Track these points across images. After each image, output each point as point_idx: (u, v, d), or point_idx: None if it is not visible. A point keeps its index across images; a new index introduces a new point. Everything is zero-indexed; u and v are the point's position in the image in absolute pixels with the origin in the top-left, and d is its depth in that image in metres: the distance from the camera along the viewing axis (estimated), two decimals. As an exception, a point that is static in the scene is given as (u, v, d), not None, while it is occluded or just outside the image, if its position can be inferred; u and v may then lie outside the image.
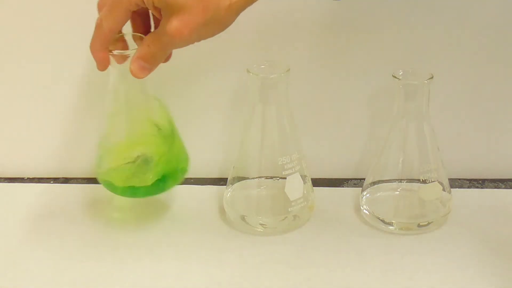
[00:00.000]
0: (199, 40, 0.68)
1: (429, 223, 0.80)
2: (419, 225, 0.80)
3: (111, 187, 0.79)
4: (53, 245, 0.79)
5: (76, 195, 0.88)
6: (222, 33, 0.86)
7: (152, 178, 0.77)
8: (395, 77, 0.78)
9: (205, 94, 0.89)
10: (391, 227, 0.81)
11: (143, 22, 0.74)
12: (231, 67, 0.88)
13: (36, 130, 0.92)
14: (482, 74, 0.88)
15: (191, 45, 0.86)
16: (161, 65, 0.81)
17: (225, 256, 0.77)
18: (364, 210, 0.83)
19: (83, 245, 0.79)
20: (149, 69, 0.71)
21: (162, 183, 0.78)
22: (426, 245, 0.78)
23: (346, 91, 0.89)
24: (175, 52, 0.87)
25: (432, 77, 0.77)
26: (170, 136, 0.79)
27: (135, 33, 0.74)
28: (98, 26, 0.70)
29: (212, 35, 0.68)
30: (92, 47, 0.72)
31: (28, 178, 0.93)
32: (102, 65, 0.73)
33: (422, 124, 0.79)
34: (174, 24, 0.66)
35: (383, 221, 0.81)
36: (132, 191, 0.78)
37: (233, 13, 0.67)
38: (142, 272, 0.74)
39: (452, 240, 0.79)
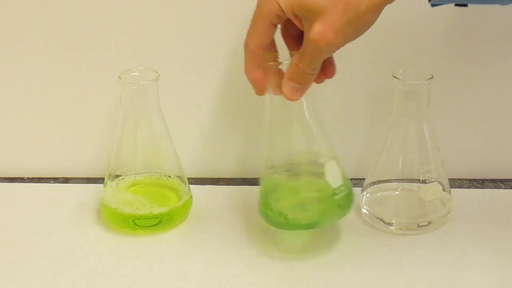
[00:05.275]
0: (344, 43, 0.66)
1: (429, 223, 0.80)
2: (419, 225, 0.80)
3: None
4: (53, 245, 0.79)
5: (76, 195, 0.88)
6: (222, 33, 0.86)
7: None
8: (395, 77, 0.78)
9: (205, 95, 0.89)
10: (391, 227, 0.81)
11: (295, 41, 0.71)
12: (231, 67, 0.87)
13: (36, 130, 0.92)
14: (482, 74, 0.88)
15: (190, 45, 0.87)
16: (161, 65, 0.82)
17: (225, 256, 0.77)
18: (364, 210, 0.83)
19: (83, 245, 0.79)
20: (301, 90, 0.69)
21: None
22: (426, 245, 0.78)
23: (346, 91, 0.89)
24: (177, 53, 0.87)
25: (432, 77, 0.77)
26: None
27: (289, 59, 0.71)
28: (246, 46, 0.69)
29: (356, 35, 0.66)
30: (245, 70, 0.70)
31: (28, 178, 0.93)
32: (258, 87, 0.71)
33: (422, 124, 0.79)
34: (316, 29, 0.64)
35: (383, 221, 0.81)
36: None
37: (375, 9, 0.64)
38: (142, 272, 0.74)
39: (452, 240, 0.79)
